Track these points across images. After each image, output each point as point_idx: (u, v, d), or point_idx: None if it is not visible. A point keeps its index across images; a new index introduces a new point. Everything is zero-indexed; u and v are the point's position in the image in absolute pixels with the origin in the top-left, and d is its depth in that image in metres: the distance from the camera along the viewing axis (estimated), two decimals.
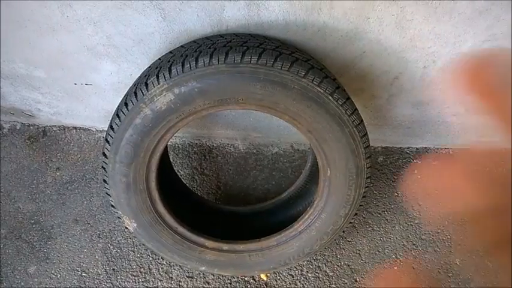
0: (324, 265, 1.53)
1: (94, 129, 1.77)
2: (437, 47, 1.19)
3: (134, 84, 1.11)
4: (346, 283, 1.50)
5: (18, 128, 1.79)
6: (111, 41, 1.24)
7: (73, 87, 1.49)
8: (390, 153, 1.75)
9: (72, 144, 1.76)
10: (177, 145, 1.75)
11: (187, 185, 1.64)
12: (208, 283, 1.50)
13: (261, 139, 1.73)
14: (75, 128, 1.78)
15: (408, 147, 1.75)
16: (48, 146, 1.76)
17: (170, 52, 1.13)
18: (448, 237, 1.57)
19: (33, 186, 1.68)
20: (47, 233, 1.59)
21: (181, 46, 1.14)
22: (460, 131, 1.62)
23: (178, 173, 1.62)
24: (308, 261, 1.53)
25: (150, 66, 1.14)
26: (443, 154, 1.72)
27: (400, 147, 1.75)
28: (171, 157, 1.68)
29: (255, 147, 1.76)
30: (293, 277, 1.51)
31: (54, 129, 1.79)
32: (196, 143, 1.76)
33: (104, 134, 1.71)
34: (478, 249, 1.55)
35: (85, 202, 1.65)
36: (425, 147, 1.74)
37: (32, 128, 1.79)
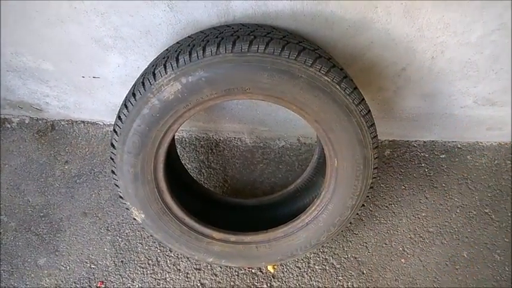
0: (330, 257, 1.53)
1: (102, 123, 1.79)
2: (446, 37, 1.18)
3: (142, 75, 1.11)
4: (353, 275, 1.49)
5: (27, 122, 1.81)
6: (118, 33, 1.24)
7: (81, 80, 1.50)
8: (397, 146, 1.74)
9: (80, 138, 1.77)
10: (184, 139, 1.76)
11: (195, 177, 1.65)
12: (215, 275, 1.50)
13: (268, 133, 1.73)
14: (83, 122, 1.79)
15: (415, 141, 1.74)
16: (57, 140, 1.78)
17: (177, 42, 1.14)
18: (456, 229, 1.56)
19: (42, 179, 1.70)
20: (56, 226, 1.60)
21: (189, 36, 1.14)
22: (467, 124, 1.60)
23: (185, 166, 1.63)
24: (315, 253, 1.53)
25: (157, 57, 1.15)
26: (450, 147, 1.71)
27: (407, 141, 1.74)
28: (178, 151, 1.69)
29: (261, 140, 1.76)
30: (300, 269, 1.51)
31: (63, 123, 1.80)
32: (203, 137, 1.76)
33: (112, 128, 1.72)
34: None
35: (93, 195, 1.66)
36: (433, 141, 1.73)
37: (40, 122, 1.81)
